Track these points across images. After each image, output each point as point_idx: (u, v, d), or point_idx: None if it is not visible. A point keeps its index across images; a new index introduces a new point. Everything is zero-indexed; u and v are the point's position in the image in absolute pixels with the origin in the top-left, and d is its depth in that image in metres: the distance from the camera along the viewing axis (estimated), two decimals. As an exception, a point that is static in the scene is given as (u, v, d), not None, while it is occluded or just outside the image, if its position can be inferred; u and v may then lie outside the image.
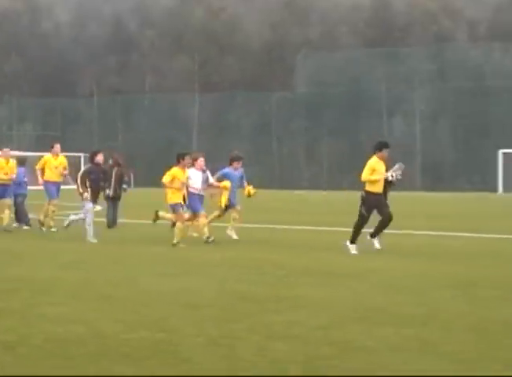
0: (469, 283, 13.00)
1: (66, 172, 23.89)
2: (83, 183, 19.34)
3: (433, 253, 17.71)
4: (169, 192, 19.29)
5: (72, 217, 21.09)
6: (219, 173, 21.25)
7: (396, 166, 17.90)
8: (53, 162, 23.56)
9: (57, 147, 23.92)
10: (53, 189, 23.34)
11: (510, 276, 14.02)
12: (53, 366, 7.31)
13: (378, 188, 17.28)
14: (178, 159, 19.54)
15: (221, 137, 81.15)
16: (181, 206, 19.42)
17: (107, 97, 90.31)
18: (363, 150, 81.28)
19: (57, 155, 23.84)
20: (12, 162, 23.62)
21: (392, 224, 17.73)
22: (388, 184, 17.64)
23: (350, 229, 17.68)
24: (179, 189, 19.34)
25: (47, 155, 23.87)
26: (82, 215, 20.24)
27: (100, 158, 20.13)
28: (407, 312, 10.30)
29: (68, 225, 21.13)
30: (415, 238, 21.77)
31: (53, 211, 23.35)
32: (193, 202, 19.91)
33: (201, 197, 20.08)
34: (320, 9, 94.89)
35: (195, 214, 19.99)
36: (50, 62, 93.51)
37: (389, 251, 17.65)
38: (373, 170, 17.18)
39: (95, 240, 19.54)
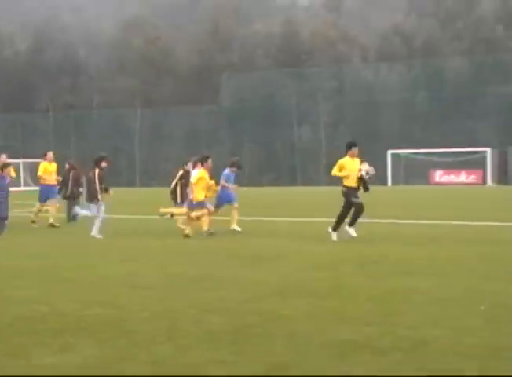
0: (370, 261, 13.13)
1: (59, 177, 23.33)
2: (100, 185, 18.43)
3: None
4: (196, 190, 18.76)
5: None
6: (223, 175, 20.37)
7: (364, 165, 17.29)
8: (49, 168, 22.83)
9: (50, 154, 22.97)
10: (47, 192, 22.64)
11: (404, 254, 14.18)
12: (20, 342, 7.19)
13: (352, 183, 16.79)
14: (202, 162, 19.12)
15: (159, 145, 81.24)
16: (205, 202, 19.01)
17: (62, 113, 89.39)
18: (277, 153, 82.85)
19: (51, 161, 22.96)
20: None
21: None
22: (360, 180, 17.04)
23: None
24: (204, 188, 18.89)
25: (44, 163, 22.92)
26: (88, 212, 19.03)
27: (104, 164, 18.87)
28: (320, 286, 10.35)
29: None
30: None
31: (39, 211, 22.90)
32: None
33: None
34: (239, 36, 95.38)
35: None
36: (12, 83, 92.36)
37: (312, 237, 17.77)
38: (342, 167, 16.81)
39: (100, 236, 18.44)
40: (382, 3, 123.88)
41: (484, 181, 70.25)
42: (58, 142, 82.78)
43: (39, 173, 22.98)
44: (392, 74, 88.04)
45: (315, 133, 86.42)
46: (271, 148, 79.58)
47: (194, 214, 18.98)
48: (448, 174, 73.67)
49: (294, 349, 6.71)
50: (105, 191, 18.80)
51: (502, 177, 71.98)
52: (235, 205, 20.12)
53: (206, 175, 18.99)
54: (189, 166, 20.25)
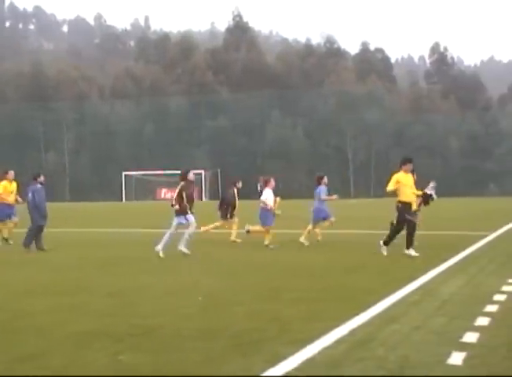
0: (110, 263, 12.87)
1: (18, 197, 18.77)
2: (180, 197, 14.66)
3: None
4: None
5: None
6: (321, 191, 17.38)
7: (431, 184, 15.16)
8: (9, 188, 18.61)
9: (11, 173, 18.77)
10: (7, 211, 18.46)
11: (135, 256, 14.09)
12: None
13: (407, 198, 13.93)
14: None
15: None
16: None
17: None
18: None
19: (11, 180, 18.82)
20: None
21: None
22: (426, 199, 14.73)
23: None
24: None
25: (4, 182, 18.63)
26: (172, 230, 14.97)
27: (192, 175, 15.34)
28: (65, 285, 9.95)
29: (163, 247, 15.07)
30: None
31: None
32: (268, 217, 16.57)
33: (273, 213, 16.72)
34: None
35: (265, 227, 16.58)
36: None
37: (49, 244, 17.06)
38: (397, 182, 13.90)
39: (187, 251, 14.63)
40: (115, 50, 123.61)
41: (201, 197, 72.32)
42: None
43: None
44: (124, 108, 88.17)
45: (60, 157, 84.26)
46: (21, 171, 76.39)
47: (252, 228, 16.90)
48: (172, 192, 74.74)
49: (42, 341, 6.40)
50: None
51: (215, 194, 74.57)
52: (332, 219, 17.36)
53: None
54: (239, 184, 18.44)
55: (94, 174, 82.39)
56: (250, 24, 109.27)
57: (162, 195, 74.54)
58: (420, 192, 14.53)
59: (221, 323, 7.14)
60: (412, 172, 14.44)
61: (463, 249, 14.35)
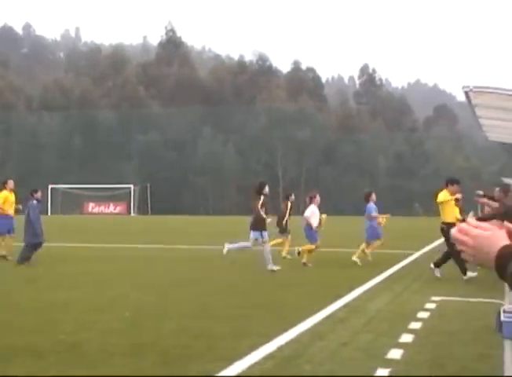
0: (31, 279, 12.58)
1: (19, 206, 17.61)
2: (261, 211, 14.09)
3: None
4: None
5: (231, 245, 15.01)
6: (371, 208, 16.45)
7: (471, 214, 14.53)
8: (10, 198, 17.38)
9: (11, 182, 17.59)
10: (6, 225, 17.07)
11: (65, 271, 13.83)
12: None
13: (451, 219, 12.83)
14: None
15: None
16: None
17: None
18: None
19: (11, 190, 17.55)
20: None
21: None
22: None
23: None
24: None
25: (5, 192, 17.33)
26: (247, 244, 14.62)
27: (267, 189, 14.63)
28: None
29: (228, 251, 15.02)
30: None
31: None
32: (313, 233, 15.71)
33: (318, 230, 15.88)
34: None
35: (313, 244, 15.69)
36: None
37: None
38: (443, 201, 13.05)
39: (276, 267, 14.15)
40: (44, 61, 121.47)
41: (129, 212, 71.55)
42: None
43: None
44: (53, 120, 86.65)
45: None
46: None
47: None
48: (99, 206, 73.96)
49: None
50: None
51: (144, 209, 73.93)
52: (382, 240, 16.72)
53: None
54: (292, 198, 17.58)
55: (19, 187, 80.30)
56: (183, 39, 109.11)
57: (90, 209, 73.40)
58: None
59: (149, 338, 7.08)
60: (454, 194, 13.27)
61: (389, 267, 14.65)
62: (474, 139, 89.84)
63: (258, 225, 14.16)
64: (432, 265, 13.25)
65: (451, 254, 12.42)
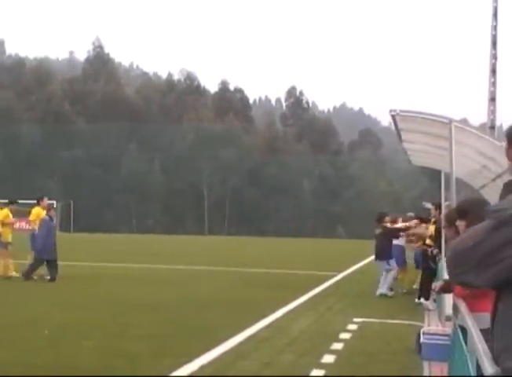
0: None
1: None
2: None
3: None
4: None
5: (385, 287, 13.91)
6: None
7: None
8: (42, 215, 16.12)
9: (46, 200, 16.71)
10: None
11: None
12: None
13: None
14: (392, 223, 14.90)
15: None
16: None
17: None
18: None
19: (45, 207, 16.39)
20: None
21: None
22: None
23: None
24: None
25: (38, 208, 16.32)
26: (389, 277, 13.74)
27: (388, 219, 14.35)
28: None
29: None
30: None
31: None
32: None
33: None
34: None
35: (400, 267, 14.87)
36: None
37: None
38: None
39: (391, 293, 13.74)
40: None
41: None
42: None
43: (31, 218, 16.54)
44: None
45: None
46: None
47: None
48: (20, 222, 71.69)
49: None
50: None
51: (67, 227, 72.37)
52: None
53: None
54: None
55: None
56: (111, 56, 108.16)
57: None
58: None
59: (69, 358, 6.89)
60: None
61: (312, 288, 14.78)
62: (397, 164, 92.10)
63: (383, 254, 14.04)
64: (417, 300, 12.51)
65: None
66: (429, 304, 12.10)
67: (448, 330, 6.32)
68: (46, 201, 17.02)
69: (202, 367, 6.53)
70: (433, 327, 9.18)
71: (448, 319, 6.69)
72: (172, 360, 6.81)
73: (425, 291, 12.33)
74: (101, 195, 79.26)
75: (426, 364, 6.69)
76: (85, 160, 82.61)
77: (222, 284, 15.17)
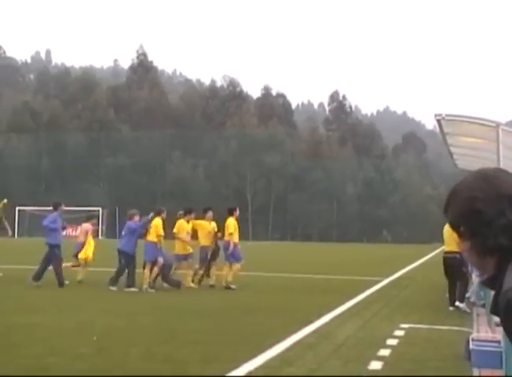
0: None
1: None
2: None
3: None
4: None
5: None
6: None
7: None
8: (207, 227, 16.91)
9: (210, 214, 17.14)
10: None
11: (26, 295, 13.59)
12: None
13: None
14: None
15: None
16: None
17: None
18: None
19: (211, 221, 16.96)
20: None
21: None
22: None
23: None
24: None
25: (158, 219, 17.06)
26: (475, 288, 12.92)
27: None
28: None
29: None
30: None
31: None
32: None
33: None
34: None
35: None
36: None
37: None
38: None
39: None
40: (14, 82, 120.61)
41: (97, 235, 70.89)
42: None
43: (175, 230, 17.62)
44: (21, 143, 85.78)
45: None
46: None
47: None
48: (66, 229, 73.14)
49: None
50: None
51: (112, 233, 73.28)
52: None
53: None
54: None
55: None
56: (155, 63, 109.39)
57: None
58: None
59: (116, 364, 6.97)
60: None
61: (358, 294, 14.67)
62: (442, 168, 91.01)
63: None
64: (456, 304, 12.15)
65: (449, 281, 12.33)
66: (465, 307, 11.95)
67: (498, 336, 6.21)
68: (165, 213, 17.30)
69: (248, 373, 6.54)
70: (482, 333, 9.04)
71: (498, 325, 6.58)
72: (219, 365, 6.83)
73: (460, 295, 12.21)
74: (146, 201, 79.99)
75: (476, 371, 6.58)
76: (129, 167, 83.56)
77: (267, 290, 15.17)
